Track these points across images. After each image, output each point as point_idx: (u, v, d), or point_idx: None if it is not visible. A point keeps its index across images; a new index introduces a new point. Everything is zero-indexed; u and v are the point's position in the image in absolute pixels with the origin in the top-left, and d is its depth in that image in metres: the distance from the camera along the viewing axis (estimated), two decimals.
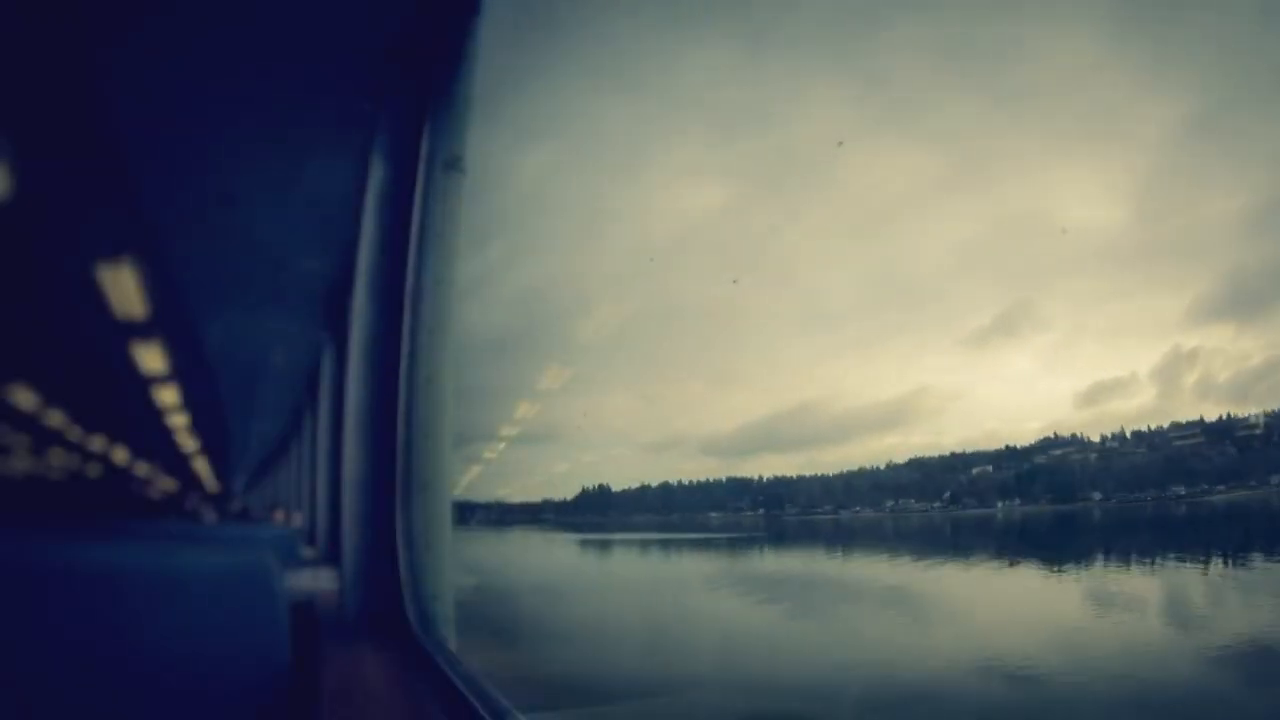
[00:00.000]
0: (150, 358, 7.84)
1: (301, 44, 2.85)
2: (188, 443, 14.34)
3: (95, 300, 5.67)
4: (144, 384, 9.00)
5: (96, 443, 13.79)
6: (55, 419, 11.61)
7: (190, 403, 10.47)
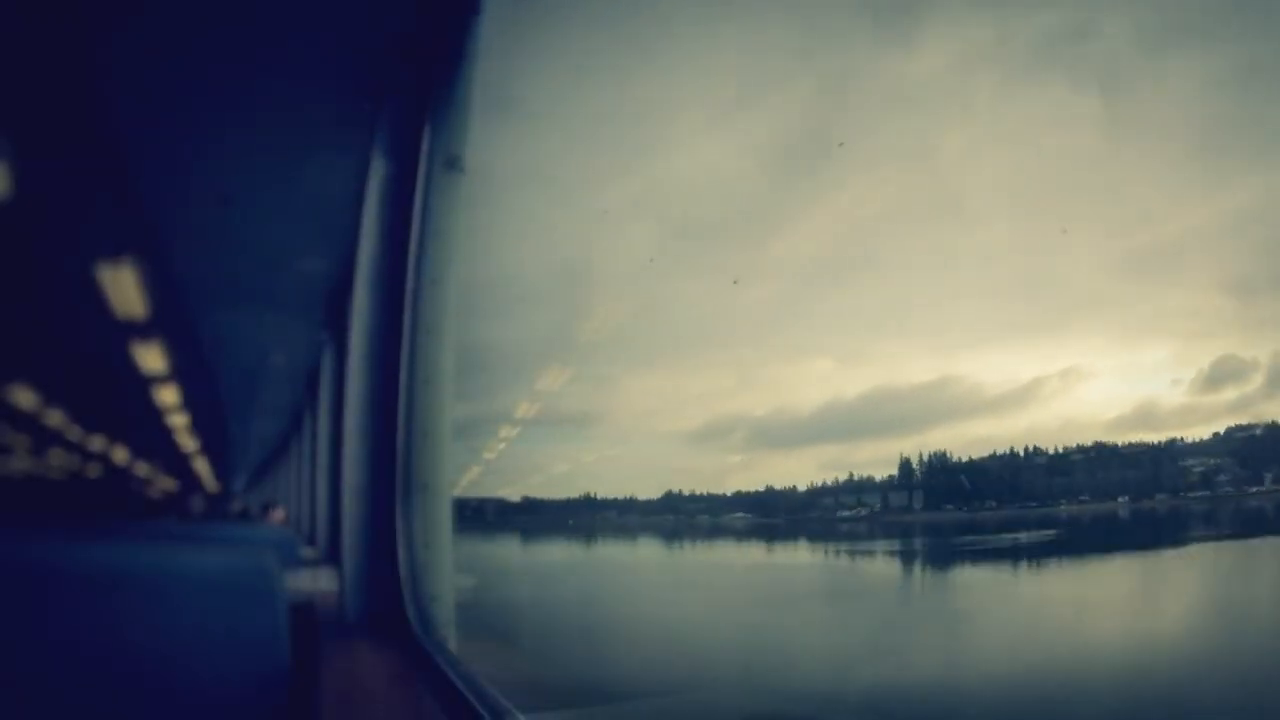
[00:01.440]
0: (150, 358, 7.84)
1: (302, 44, 2.84)
2: (188, 443, 14.34)
3: (95, 300, 5.66)
4: (144, 384, 9.00)
5: (96, 443, 13.79)
6: (55, 419, 11.61)
7: (190, 403, 10.47)
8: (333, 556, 3.94)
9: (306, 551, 5.93)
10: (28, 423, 10.91)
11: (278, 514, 10.03)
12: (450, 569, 2.52)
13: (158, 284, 5.49)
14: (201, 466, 17.51)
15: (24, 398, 10.28)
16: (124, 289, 5.54)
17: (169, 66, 2.98)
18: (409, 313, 2.58)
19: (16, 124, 3.54)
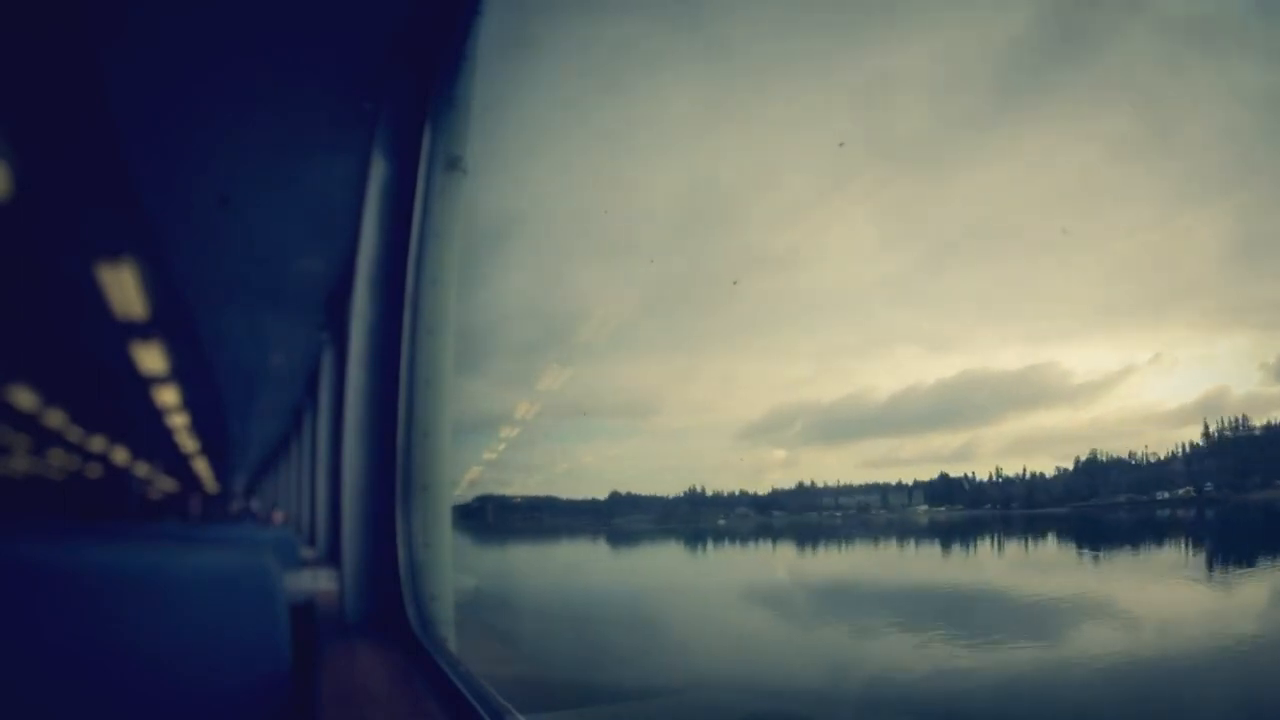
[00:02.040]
0: (150, 358, 7.84)
1: (302, 44, 2.85)
2: (188, 443, 14.34)
3: (95, 300, 5.67)
4: (144, 384, 9.01)
5: (96, 443, 13.79)
6: (55, 419, 11.61)
7: (190, 403, 10.47)
8: (333, 556, 3.94)
9: (306, 551, 5.93)
10: (28, 423, 10.91)
11: (277, 515, 10.07)
12: (450, 568, 2.52)
13: (158, 284, 5.50)
14: (201, 467, 17.52)
15: (24, 398, 10.28)
16: (124, 289, 5.54)
17: (169, 67, 2.98)
18: (409, 313, 2.58)
19: (17, 124, 3.54)
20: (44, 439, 11.94)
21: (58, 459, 12.80)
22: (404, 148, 2.72)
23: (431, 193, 2.62)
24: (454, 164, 2.63)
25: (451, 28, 2.61)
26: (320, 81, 3.01)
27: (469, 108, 2.68)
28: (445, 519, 2.55)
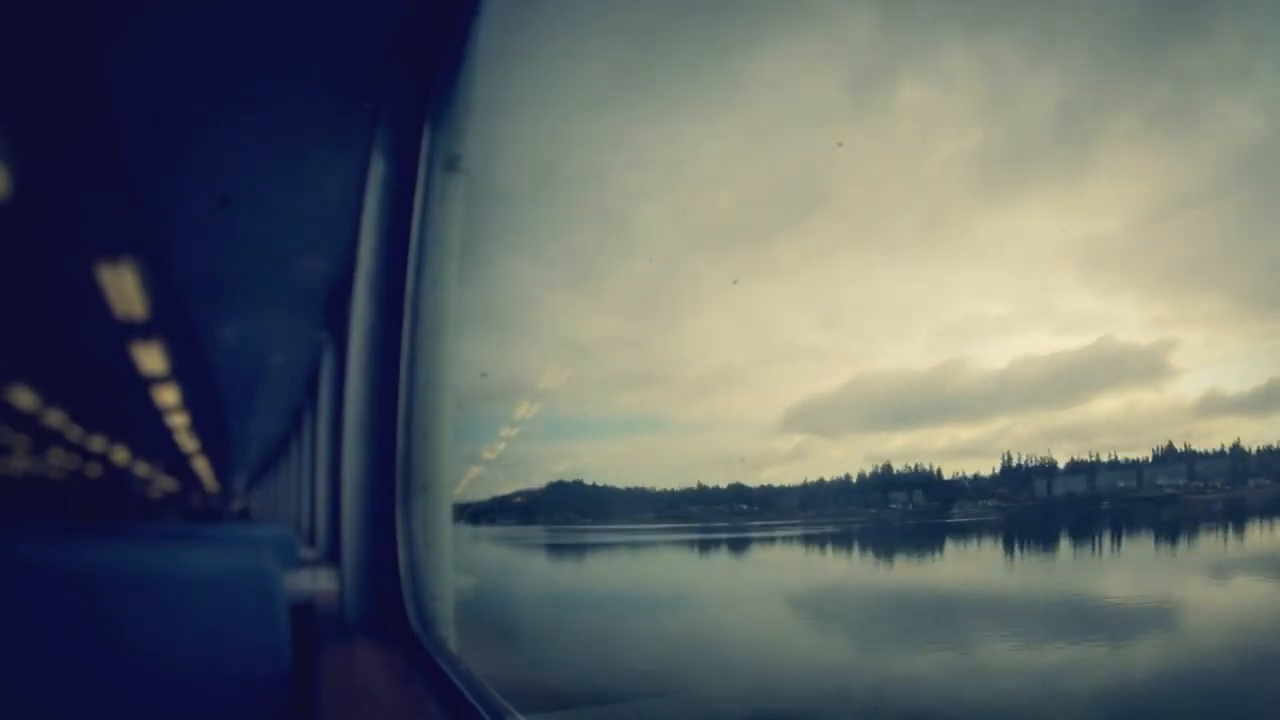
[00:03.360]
0: (150, 358, 7.84)
1: (302, 44, 2.85)
2: (187, 443, 14.34)
3: (95, 300, 5.67)
4: (144, 384, 9.01)
5: (96, 443, 13.80)
6: (55, 419, 11.62)
7: (190, 403, 10.47)
8: (333, 556, 3.94)
9: (306, 551, 5.93)
10: (28, 423, 10.92)
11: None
12: (450, 568, 2.53)
13: (158, 284, 5.49)
14: (201, 466, 17.53)
15: (24, 398, 10.28)
16: (124, 289, 5.54)
17: (169, 67, 2.98)
18: (409, 313, 2.58)
19: (17, 124, 3.54)
20: (44, 439, 11.94)
21: (58, 458, 12.80)
22: (404, 148, 2.72)
23: (431, 193, 2.62)
24: (453, 164, 2.63)
25: (451, 28, 2.61)
26: (320, 81, 3.01)
27: (469, 108, 2.68)
28: (445, 519, 2.55)
